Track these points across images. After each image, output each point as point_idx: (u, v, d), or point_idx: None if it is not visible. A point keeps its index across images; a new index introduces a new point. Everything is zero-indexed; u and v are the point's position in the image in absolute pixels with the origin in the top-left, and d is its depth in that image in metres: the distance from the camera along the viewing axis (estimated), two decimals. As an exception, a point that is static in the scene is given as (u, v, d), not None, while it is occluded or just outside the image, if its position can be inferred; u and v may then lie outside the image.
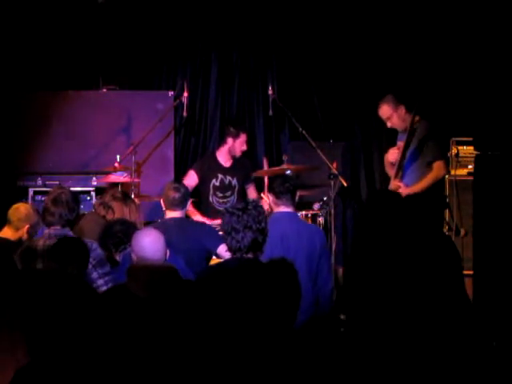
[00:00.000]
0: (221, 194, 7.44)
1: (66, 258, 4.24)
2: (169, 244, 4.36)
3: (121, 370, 3.66)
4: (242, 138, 7.42)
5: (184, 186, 5.73)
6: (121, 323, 3.77)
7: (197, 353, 3.62)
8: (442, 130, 6.64)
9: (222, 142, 7.58)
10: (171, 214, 5.60)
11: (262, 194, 7.29)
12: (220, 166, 7.46)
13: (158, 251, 4.04)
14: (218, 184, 7.44)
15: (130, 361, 3.67)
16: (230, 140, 7.41)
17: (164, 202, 5.64)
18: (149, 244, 4.05)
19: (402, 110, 6.60)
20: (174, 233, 5.29)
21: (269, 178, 7.25)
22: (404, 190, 6.40)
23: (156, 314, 3.76)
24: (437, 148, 6.49)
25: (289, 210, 5.50)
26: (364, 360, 3.82)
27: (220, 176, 7.45)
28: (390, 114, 6.64)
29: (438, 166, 6.45)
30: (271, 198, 5.55)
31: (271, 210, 5.65)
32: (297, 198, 5.61)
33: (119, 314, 3.80)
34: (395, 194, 4.63)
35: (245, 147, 7.45)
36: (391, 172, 6.69)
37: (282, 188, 5.46)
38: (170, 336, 3.71)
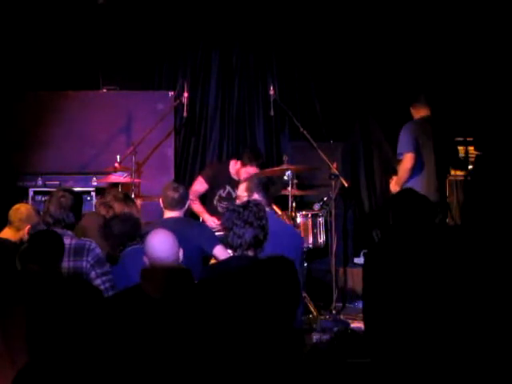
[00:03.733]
0: (225, 204, 7.35)
1: (44, 258, 4.21)
2: None
3: (131, 371, 3.66)
4: (250, 169, 7.11)
5: (183, 186, 5.71)
6: (134, 324, 3.77)
7: (204, 351, 3.62)
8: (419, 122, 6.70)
9: (237, 158, 7.40)
10: (169, 214, 5.60)
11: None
12: (230, 178, 7.33)
13: (166, 250, 4.02)
14: (224, 195, 7.34)
15: (140, 361, 3.68)
16: (239, 164, 7.25)
17: (163, 201, 5.65)
18: (157, 243, 4.05)
19: (413, 108, 6.75)
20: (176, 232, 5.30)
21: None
22: (391, 184, 6.75)
23: (170, 315, 3.76)
24: (402, 139, 6.61)
25: (271, 210, 5.55)
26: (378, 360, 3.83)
27: (228, 188, 7.35)
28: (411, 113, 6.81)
29: (404, 158, 6.60)
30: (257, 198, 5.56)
31: None
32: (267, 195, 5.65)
33: (132, 315, 3.80)
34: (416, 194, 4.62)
35: (241, 176, 7.13)
36: None
37: (269, 191, 5.54)
38: (181, 336, 3.71)
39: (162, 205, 5.68)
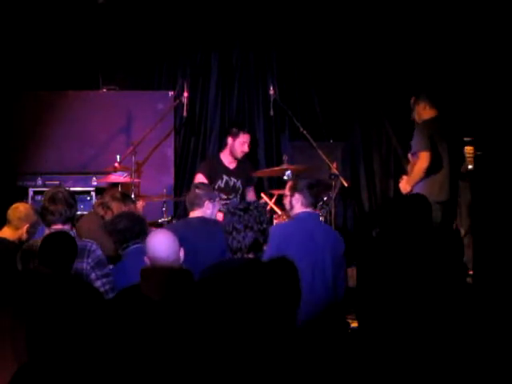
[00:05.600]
0: (224, 196, 7.41)
1: (56, 259, 4.19)
2: (187, 241, 4.39)
3: (130, 373, 3.66)
4: (242, 137, 7.35)
5: (202, 187, 5.73)
6: (132, 326, 3.76)
7: (202, 353, 3.62)
8: (431, 121, 6.68)
9: (224, 143, 7.57)
10: (191, 214, 5.65)
11: (261, 194, 7.28)
12: (225, 167, 7.43)
13: (166, 250, 4.02)
14: (222, 185, 7.42)
15: (139, 362, 3.68)
16: (230, 139, 7.39)
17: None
18: (157, 243, 4.05)
19: (420, 105, 6.71)
20: (192, 231, 5.33)
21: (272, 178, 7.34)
22: (401, 183, 6.65)
23: (168, 316, 3.75)
24: (417, 138, 6.55)
25: (314, 211, 5.51)
26: (373, 360, 3.82)
27: (225, 177, 7.42)
28: (412, 107, 6.77)
29: (420, 157, 6.51)
30: (298, 197, 5.52)
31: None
32: (319, 203, 5.63)
33: (128, 316, 3.80)
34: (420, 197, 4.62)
35: (245, 148, 7.38)
36: None
37: (312, 191, 5.46)
38: (179, 338, 3.71)
39: None
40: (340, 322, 5.36)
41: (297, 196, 5.49)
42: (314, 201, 5.47)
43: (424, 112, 6.72)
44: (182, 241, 4.35)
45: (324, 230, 5.51)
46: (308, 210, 5.43)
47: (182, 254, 4.11)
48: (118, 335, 3.79)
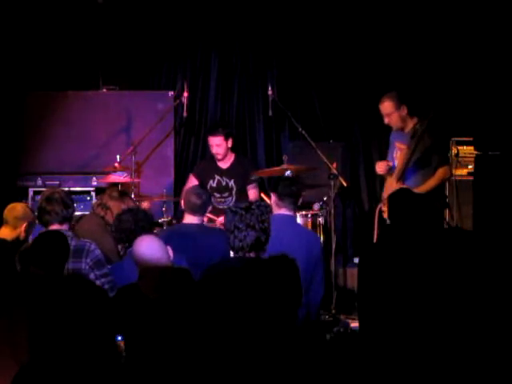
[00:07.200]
0: (218, 195, 7.42)
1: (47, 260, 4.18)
2: (186, 249, 4.37)
3: (129, 370, 3.66)
4: (208, 140, 7.42)
5: (206, 192, 5.76)
6: (129, 323, 3.77)
7: (203, 352, 3.62)
8: (443, 130, 6.62)
9: None
10: (189, 219, 5.62)
11: (261, 195, 7.28)
12: (217, 167, 7.45)
13: (156, 253, 4.03)
14: (214, 185, 7.43)
15: (138, 360, 3.68)
16: None
17: (185, 205, 5.70)
18: (144, 251, 4.05)
19: (404, 110, 6.52)
20: (191, 238, 5.35)
21: (273, 178, 7.32)
22: None
23: (167, 314, 3.75)
24: (443, 154, 6.50)
25: (289, 213, 5.43)
26: (373, 360, 3.83)
27: (217, 177, 7.43)
28: (391, 112, 6.55)
29: (443, 171, 6.42)
30: (273, 198, 5.48)
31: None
32: (300, 201, 5.56)
33: (128, 314, 3.80)
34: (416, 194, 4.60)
35: (213, 150, 7.37)
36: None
37: (286, 190, 5.41)
38: (178, 337, 3.71)
39: (183, 206, 5.77)
40: (306, 330, 5.29)
41: (272, 197, 5.47)
42: (290, 201, 5.38)
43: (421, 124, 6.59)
44: (181, 249, 4.38)
45: (295, 233, 5.38)
46: (281, 211, 5.39)
47: (170, 252, 4.13)
48: (118, 334, 3.80)
